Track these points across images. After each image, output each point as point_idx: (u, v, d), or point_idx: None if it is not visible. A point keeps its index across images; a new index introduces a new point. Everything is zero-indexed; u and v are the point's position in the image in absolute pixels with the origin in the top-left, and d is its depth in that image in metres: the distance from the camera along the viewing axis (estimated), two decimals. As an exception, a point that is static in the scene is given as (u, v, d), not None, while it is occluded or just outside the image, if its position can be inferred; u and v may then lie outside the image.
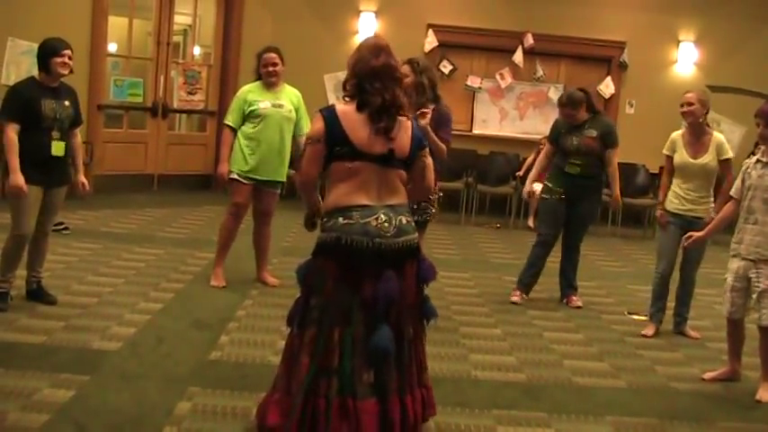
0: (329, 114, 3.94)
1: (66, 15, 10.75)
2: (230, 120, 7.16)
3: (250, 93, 7.15)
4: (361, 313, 3.85)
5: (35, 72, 6.14)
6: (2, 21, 10.28)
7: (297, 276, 4.08)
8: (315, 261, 3.97)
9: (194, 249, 8.55)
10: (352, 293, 3.85)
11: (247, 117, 7.06)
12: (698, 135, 6.58)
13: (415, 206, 6.04)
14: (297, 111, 7.19)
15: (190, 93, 12.77)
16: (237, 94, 7.31)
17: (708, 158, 6.51)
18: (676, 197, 6.66)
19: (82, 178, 6.30)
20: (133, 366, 5.11)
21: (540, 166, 7.66)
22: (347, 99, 4.00)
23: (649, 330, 6.79)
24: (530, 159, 11.64)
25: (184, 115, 13.46)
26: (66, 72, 6.03)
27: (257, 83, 7.18)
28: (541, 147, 9.22)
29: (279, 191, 7.29)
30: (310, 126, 4.10)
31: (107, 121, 12.25)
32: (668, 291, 6.81)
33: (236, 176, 7.10)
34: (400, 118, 3.97)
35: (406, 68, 6.12)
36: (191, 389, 4.78)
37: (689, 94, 6.61)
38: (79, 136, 6.37)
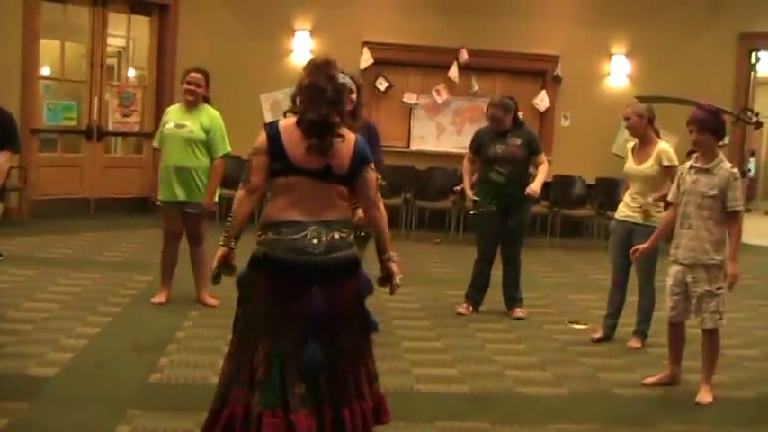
0: (272, 129, 3.96)
1: (-4, 39, 10.60)
2: (155, 142, 7.30)
3: (168, 113, 7.24)
4: (289, 329, 3.83)
5: None
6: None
7: (236, 283, 4.04)
8: (248, 272, 3.98)
9: (132, 272, 8.43)
10: (278, 308, 3.85)
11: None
12: (644, 144, 6.74)
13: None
14: (208, 132, 7.01)
15: (125, 115, 12.63)
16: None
17: (648, 165, 6.62)
18: (623, 204, 6.79)
19: None
20: (71, 391, 5.02)
21: (468, 172, 7.64)
22: (288, 115, 4.03)
23: (595, 333, 6.90)
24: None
25: (120, 138, 13.28)
26: None
27: (179, 103, 7.25)
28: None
29: (197, 212, 7.12)
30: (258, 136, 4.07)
31: (41, 146, 12.06)
32: (618, 298, 6.85)
33: (158, 202, 7.22)
34: (341, 135, 3.95)
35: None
36: (130, 411, 4.71)
37: (627, 109, 6.82)
38: (3, 158, 5.82)
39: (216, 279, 4.06)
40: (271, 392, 3.77)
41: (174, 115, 7.14)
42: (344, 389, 3.92)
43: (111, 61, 13.60)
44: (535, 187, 7.34)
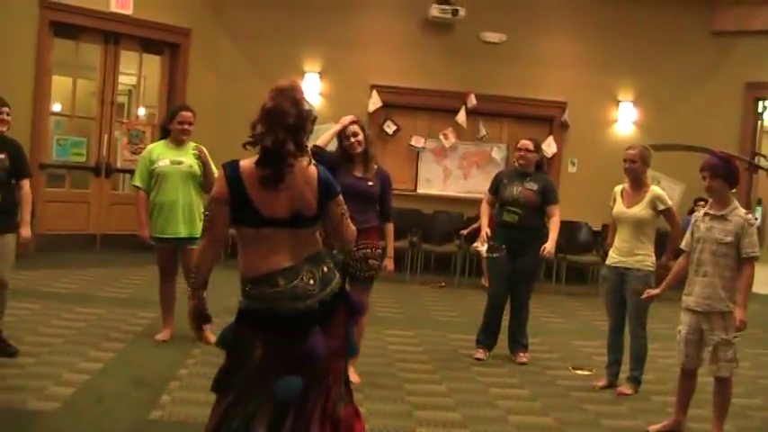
0: (232, 172, 3.71)
1: (8, 73, 10.68)
2: (138, 181, 7.23)
3: (154, 151, 7.23)
4: (279, 370, 3.64)
5: None
6: (-58, 79, 10.17)
7: (219, 342, 3.87)
8: (237, 329, 3.80)
9: (136, 309, 8.43)
10: (274, 358, 3.66)
11: (150, 176, 7.12)
12: (636, 188, 6.69)
13: (359, 264, 6.13)
14: (203, 166, 7.10)
15: (134, 152, 12.66)
16: (143, 153, 7.41)
17: (639, 209, 6.59)
18: (613, 250, 6.75)
19: (23, 231, 6.25)
20: (70, 426, 5.00)
21: (486, 214, 7.65)
22: (248, 147, 3.73)
23: (599, 381, 6.85)
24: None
25: (128, 175, 13.29)
26: (3, 128, 6.20)
27: (163, 141, 7.26)
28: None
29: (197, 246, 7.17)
30: (216, 182, 3.88)
31: (49, 181, 12.12)
32: (617, 344, 6.81)
33: (153, 240, 7.22)
34: (302, 169, 3.72)
35: (356, 128, 6.29)
36: (130, 448, 4.69)
37: (632, 151, 6.70)
38: (27, 188, 6.34)
39: (198, 332, 4.01)
40: None
41: (163, 152, 7.15)
42: (310, 425, 3.70)
43: (122, 99, 13.72)
44: (549, 248, 7.34)
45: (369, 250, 6.19)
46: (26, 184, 6.36)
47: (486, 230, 7.52)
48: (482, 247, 7.55)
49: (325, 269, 3.79)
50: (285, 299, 3.67)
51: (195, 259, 3.96)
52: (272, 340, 3.70)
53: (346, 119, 6.31)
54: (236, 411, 3.66)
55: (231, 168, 3.72)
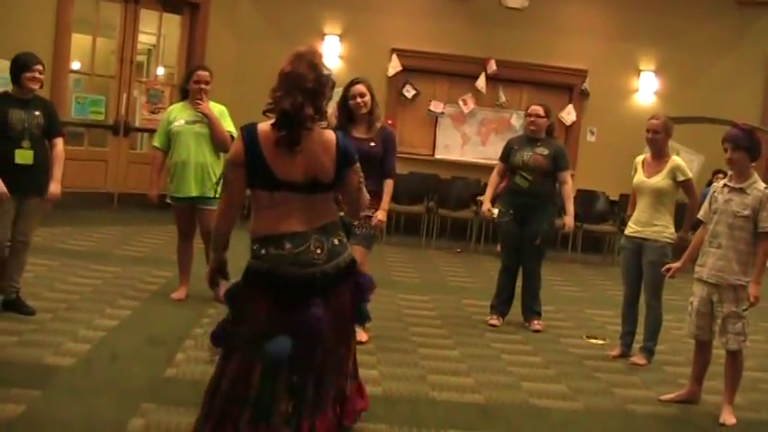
0: (249, 135, 3.74)
1: (29, 31, 10.69)
2: (156, 141, 7.26)
3: (173, 112, 7.24)
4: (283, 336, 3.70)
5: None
6: (-38, 35, 10.19)
7: (225, 298, 3.93)
8: (244, 287, 3.83)
9: (152, 268, 8.47)
10: (276, 321, 3.71)
11: (168, 137, 7.14)
12: (657, 159, 6.62)
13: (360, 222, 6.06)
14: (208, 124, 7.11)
15: (152, 112, 12.68)
16: (164, 114, 7.36)
17: (659, 179, 6.53)
18: (632, 220, 6.71)
19: (52, 187, 6.32)
20: (86, 382, 5.04)
21: (493, 184, 7.65)
22: (268, 114, 3.78)
23: (613, 351, 6.85)
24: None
25: (146, 134, 13.33)
26: (36, 86, 6.25)
27: (182, 102, 7.25)
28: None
29: (215, 207, 7.17)
30: (233, 145, 3.92)
31: (68, 139, 12.03)
32: (632, 315, 6.79)
33: (169, 200, 7.24)
34: (320, 135, 3.78)
35: (362, 88, 6.23)
36: (144, 405, 4.71)
37: (655, 121, 6.62)
38: (60, 146, 6.41)
39: (215, 288, 4.08)
40: (259, 410, 3.67)
41: (181, 113, 7.15)
42: (325, 397, 3.83)
43: (141, 58, 13.69)
44: (569, 223, 7.42)
45: (371, 211, 6.13)
46: (60, 142, 6.42)
47: (487, 203, 7.57)
48: (494, 211, 7.56)
49: (336, 241, 3.82)
50: (287, 263, 3.71)
51: (214, 222, 4.00)
52: (275, 305, 3.74)
53: None
54: (250, 382, 3.69)
55: (248, 131, 3.75)
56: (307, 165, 3.72)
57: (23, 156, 6.13)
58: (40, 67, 6.23)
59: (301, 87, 3.66)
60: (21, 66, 6.16)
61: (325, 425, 3.81)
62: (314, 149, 3.73)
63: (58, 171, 6.39)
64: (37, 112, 6.23)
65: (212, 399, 3.76)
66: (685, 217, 6.57)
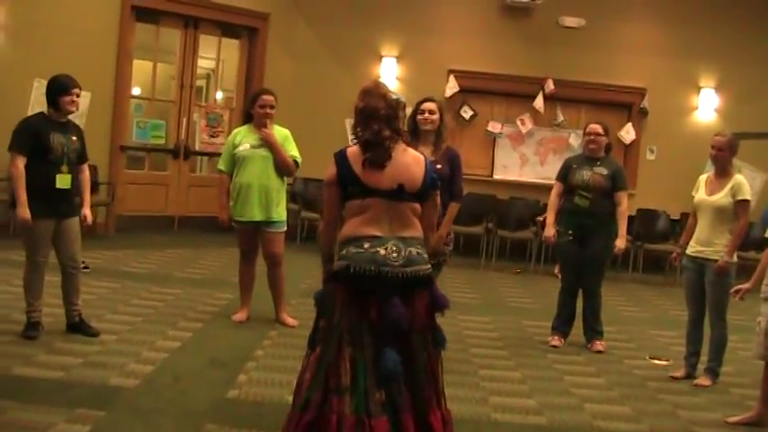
0: (340, 158, 4.13)
1: (91, 58, 10.88)
2: (222, 165, 7.32)
3: (238, 135, 7.27)
4: (370, 336, 3.96)
5: None
6: (29, 63, 10.38)
7: (313, 300, 4.21)
8: (327, 286, 4.13)
9: (213, 290, 8.54)
10: (359, 317, 3.97)
11: (233, 161, 7.19)
12: (721, 176, 6.52)
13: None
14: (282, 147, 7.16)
15: (212, 135, 12.83)
16: (228, 138, 7.43)
17: (720, 196, 6.43)
18: (693, 239, 6.60)
19: (86, 211, 6.44)
20: (149, 403, 5.08)
21: (553, 207, 7.56)
22: (355, 141, 4.18)
23: (677, 372, 6.74)
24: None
25: (206, 157, 13.52)
26: (74, 110, 6.30)
27: (247, 125, 7.28)
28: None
29: (279, 230, 7.25)
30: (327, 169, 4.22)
31: (129, 163, 12.34)
32: (697, 335, 6.69)
33: (233, 222, 7.28)
34: (409, 152, 4.17)
35: (432, 105, 6.21)
36: (207, 426, 4.75)
37: (720, 139, 6.52)
38: (87, 171, 6.56)
39: None
40: (357, 398, 3.86)
41: (246, 137, 7.18)
42: (428, 395, 4.01)
43: (201, 83, 13.88)
44: (621, 245, 7.31)
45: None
46: (86, 168, 6.56)
47: (551, 224, 7.48)
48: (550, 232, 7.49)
49: (414, 252, 4.06)
50: (363, 260, 3.97)
51: (320, 241, 4.32)
52: (352, 300, 3.99)
53: None
54: (325, 367, 3.93)
55: (340, 154, 4.14)
56: (394, 174, 4.06)
57: (63, 181, 6.17)
58: (77, 91, 6.25)
59: (376, 116, 4.06)
60: (59, 88, 6.18)
61: (440, 425, 4.00)
62: (403, 161, 4.11)
63: (87, 195, 6.53)
64: (74, 137, 6.30)
65: (308, 390, 3.95)
66: (732, 238, 6.40)
